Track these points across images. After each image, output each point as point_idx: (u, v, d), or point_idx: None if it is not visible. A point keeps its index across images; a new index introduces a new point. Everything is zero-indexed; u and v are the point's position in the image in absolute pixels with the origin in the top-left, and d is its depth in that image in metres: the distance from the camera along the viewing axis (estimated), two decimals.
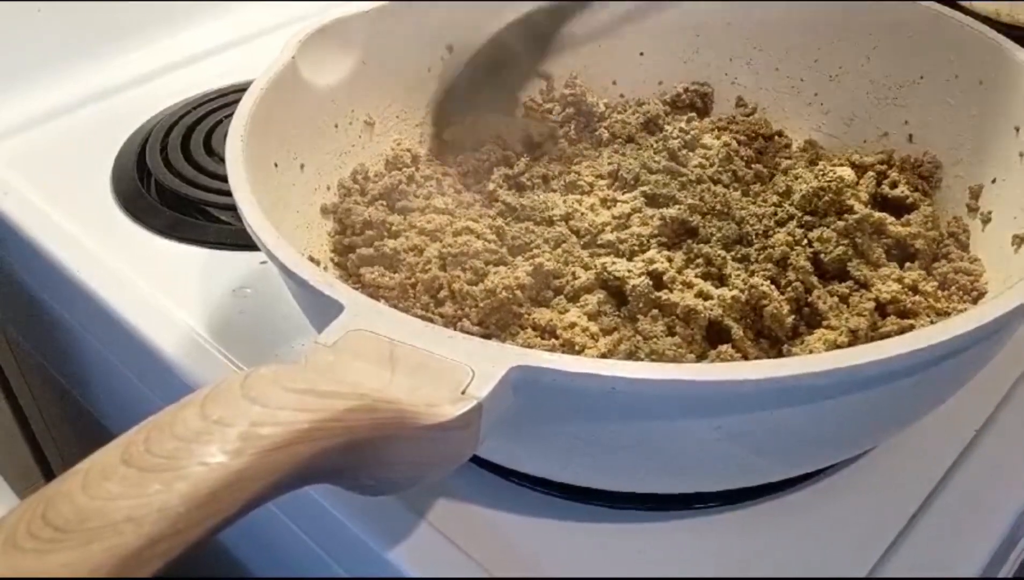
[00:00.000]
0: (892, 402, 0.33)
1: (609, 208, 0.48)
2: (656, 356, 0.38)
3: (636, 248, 0.44)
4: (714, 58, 0.56)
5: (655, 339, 0.38)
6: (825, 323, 0.40)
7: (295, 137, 0.45)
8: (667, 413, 0.30)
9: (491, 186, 0.48)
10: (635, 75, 0.57)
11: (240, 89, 0.63)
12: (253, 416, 0.23)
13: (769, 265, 0.42)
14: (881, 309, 0.41)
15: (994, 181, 0.45)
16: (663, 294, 0.40)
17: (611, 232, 0.45)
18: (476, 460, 0.38)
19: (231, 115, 0.41)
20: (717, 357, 0.38)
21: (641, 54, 0.57)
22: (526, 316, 0.41)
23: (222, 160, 0.46)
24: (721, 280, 0.42)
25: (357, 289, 0.41)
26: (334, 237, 0.46)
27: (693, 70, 0.57)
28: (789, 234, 0.43)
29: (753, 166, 0.50)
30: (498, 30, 0.52)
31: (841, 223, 0.43)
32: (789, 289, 0.41)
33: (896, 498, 0.38)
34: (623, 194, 0.48)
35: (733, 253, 0.43)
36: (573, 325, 0.40)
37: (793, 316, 0.40)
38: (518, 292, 0.40)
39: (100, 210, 0.55)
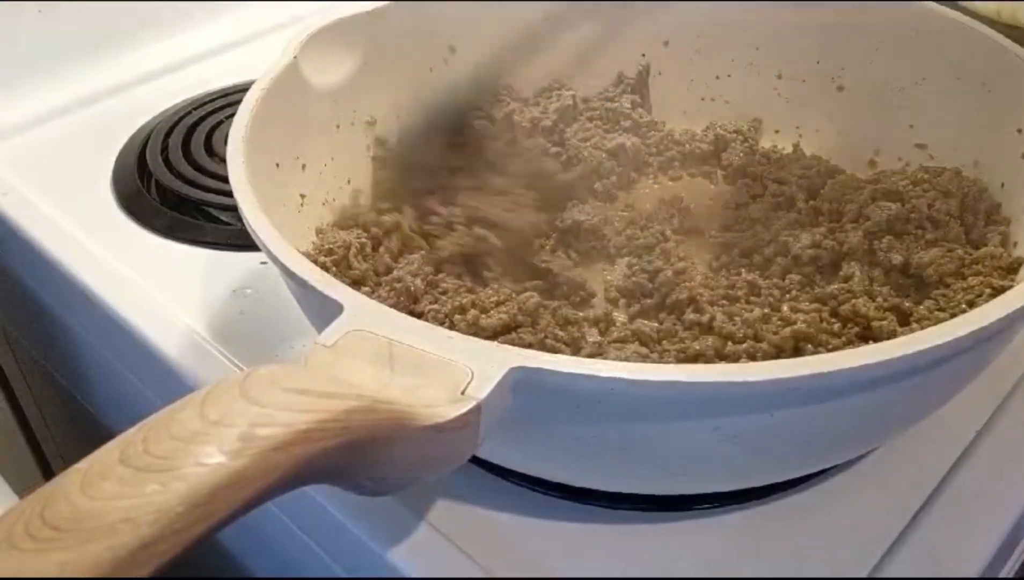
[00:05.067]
0: (893, 404, 0.33)
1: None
2: None
3: None
4: (715, 59, 0.56)
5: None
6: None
7: (296, 137, 0.44)
8: (666, 414, 0.30)
9: None
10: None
11: (241, 89, 0.63)
12: (252, 417, 0.23)
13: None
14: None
15: (1003, 186, 0.45)
16: None
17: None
18: (476, 460, 0.37)
19: (232, 115, 0.41)
20: None
21: (643, 55, 0.57)
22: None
23: (223, 160, 0.46)
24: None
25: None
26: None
27: (694, 71, 0.57)
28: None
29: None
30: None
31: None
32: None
33: (897, 498, 0.38)
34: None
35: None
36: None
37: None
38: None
39: (100, 210, 0.55)
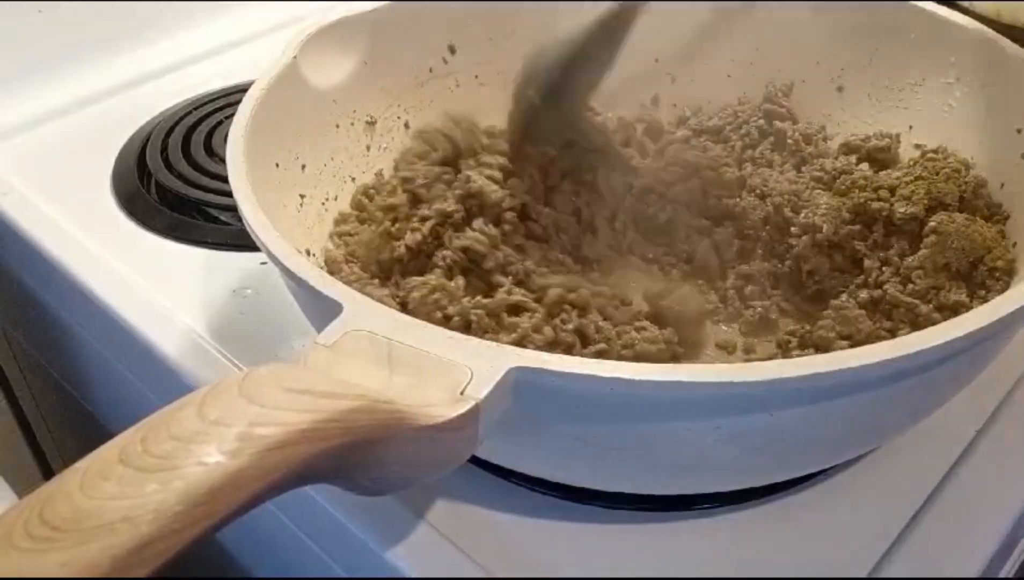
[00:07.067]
0: (893, 404, 0.33)
1: None
2: None
3: None
4: (715, 60, 0.56)
5: None
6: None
7: (296, 137, 0.44)
8: (666, 414, 0.30)
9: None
10: (641, 75, 0.57)
11: (241, 90, 0.62)
12: (251, 416, 0.23)
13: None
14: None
15: (1003, 186, 0.45)
16: None
17: None
18: (475, 460, 0.37)
19: (232, 116, 0.41)
20: None
21: (656, 60, 0.57)
22: None
23: (222, 161, 0.46)
24: None
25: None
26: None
27: (696, 71, 0.57)
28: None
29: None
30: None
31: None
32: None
33: (897, 498, 0.38)
34: None
35: None
36: None
37: None
38: None
39: (100, 210, 0.55)
